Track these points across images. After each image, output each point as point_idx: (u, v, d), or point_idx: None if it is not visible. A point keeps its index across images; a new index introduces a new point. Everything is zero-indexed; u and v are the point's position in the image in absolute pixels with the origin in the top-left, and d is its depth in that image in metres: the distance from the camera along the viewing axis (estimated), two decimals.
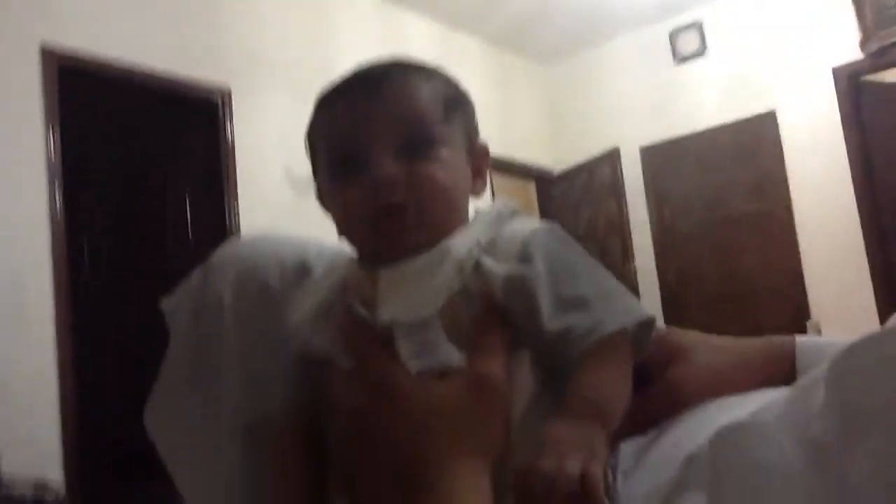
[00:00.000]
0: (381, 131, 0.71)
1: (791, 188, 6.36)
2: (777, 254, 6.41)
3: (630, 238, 7.00)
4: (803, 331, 5.76)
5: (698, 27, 6.82)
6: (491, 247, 0.69)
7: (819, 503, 0.49)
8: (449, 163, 0.72)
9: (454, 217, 0.73)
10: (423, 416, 0.63)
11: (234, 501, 0.82)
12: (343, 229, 0.75)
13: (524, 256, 0.67)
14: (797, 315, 6.20)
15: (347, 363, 0.68)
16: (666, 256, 7.01)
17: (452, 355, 0.65)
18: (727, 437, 0.57)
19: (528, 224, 0.72)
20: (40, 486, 3.01)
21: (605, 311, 0.65)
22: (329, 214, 0.78)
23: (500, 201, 0.77)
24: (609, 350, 0.65)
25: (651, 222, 7.10)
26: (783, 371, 0.77)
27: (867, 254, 5.98)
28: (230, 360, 0.85)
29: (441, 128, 0.73)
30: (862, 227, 6.00)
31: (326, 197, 0.77)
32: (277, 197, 4.94)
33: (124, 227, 5.16)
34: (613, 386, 0.65)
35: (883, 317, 5.72)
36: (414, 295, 0.67)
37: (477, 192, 0.78)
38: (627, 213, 7.07)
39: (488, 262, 0.67)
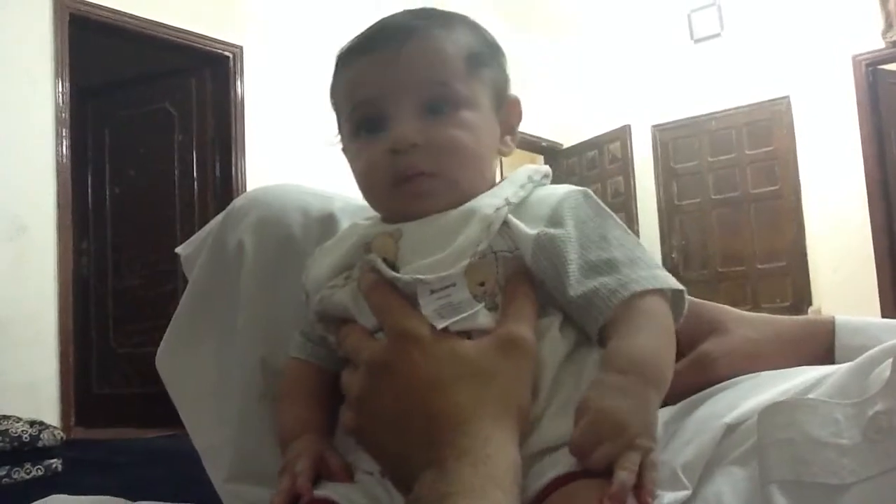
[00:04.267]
0: (402, 90, 0.68)
1: (801, 174, 6.33)
2: (782, 238, 6.41)
3: (636, 214, 6.99)
4: None
5: (717, 7, 6.74)
6: (521, 208, 0.67)
7: (876, 474, 0.50)
8: (473, 123, 0.70)
9: (478, 179, 0.70)
10: (449, 372, 0.61)
11: (246, 444, 0.83)
12: (364, 190, 0.73)
13: (555, 219, 0.65)
14: (798, 300, 6.21)
15: (369, 321, 0.67)
16: (671, 234, 7.01)
17: (478, 314, 0.63)
18: (778, 411, 0.57)
19: (560, 188, 0.70)
20: (38, 426, 3.04)
21: (633, 273, 0.62)
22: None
23: (531, 166, 0.74)
24: (644, 308, 0.61)
25: (658, 200, 7.09)
26: (821, 349, 0.77)
27: (873, 243, 5.96)
28: (249, 303, 0.85)
29: (465, 86, 0.70)
30: (870, 216, 5.99)
31: (349, 156, 0.74)
32: (285, 155, 4.93)
33: (130, 178, 5.16)
34: (656, 344, 0.60)
35: (885, 307, 5.73)
36: (438, 253, 0.65)
37: (506, 149, 0.75)
38: (635, 190, 7.05)
39: (518, 223, 0.65)
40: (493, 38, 0.76)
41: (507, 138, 0.76)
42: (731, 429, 0.62)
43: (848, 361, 0.65)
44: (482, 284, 0.64)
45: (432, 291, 0.64)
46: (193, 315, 0.92)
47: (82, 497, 0.84)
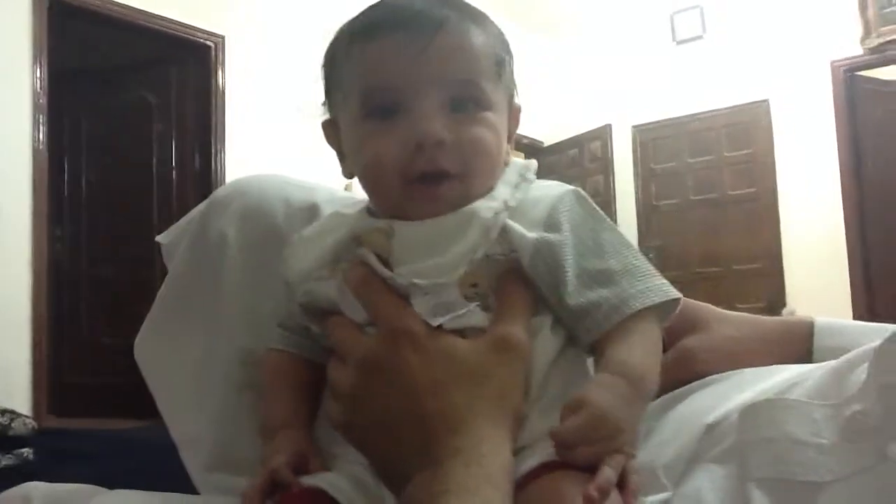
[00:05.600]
0: (430, 82, 0.64)
1: (778, 177, 6.40)
2: (758, 240, 6.47)
3: (615, 214, 7.02)
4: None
5: (700, 10, 6.78)
6: (517, 210, 0.66)
7: (853, 472, 0.51)
8: (496, 125, 0.67)
9: (489, 183, 0.67)
10: (443, 371, 0.60)
11: (225, 435, 0.82)
12: (368, 179, 0.68)
13: (552, 223, 0.64)
14: (773, 301, 6.27)
15: (357, 314, 0.65)
16: (649, 234, 7.04)
17: (473, 313, 0.63)
18: (758, 410, 0.58)
19: (553, 187, 0.69)
20: (9, 414, 3.01)
21: (631, 286, 0.62)
22: (342, 156, 0.72)
23: (521, 162, 0.73)
24: (641, 325, 0.62)
25: (637, 199, 7.13)
26: (800, 349, 0.78)
27: (847, 247, 6.04)
28: (232, 293, 0.84)
29: (493, 86, 0.67)
30: (845, 220, 6.06)
31: (348, 138, 0.70)
32: (265, 146, 4.91)
33: (107, 165, 5.11)
34: (652, 361, 0.62)
35: (857, 309, 5.81)
36: (435, 258, 0.63)
37: (507, 157, 0.72)
38: (614, 189, 7.08)
39: (516, 227, 0.64)
40: (508, 42, 0.74)
41: (508, 146, 0.73)
42: (710, 429, 0.62)
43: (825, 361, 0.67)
44: (474, 286, 0.64)
45: (427, 293, 0.63)
46: (174, 304, 0.91)
47: (58, 485, 0.83)
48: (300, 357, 0.73)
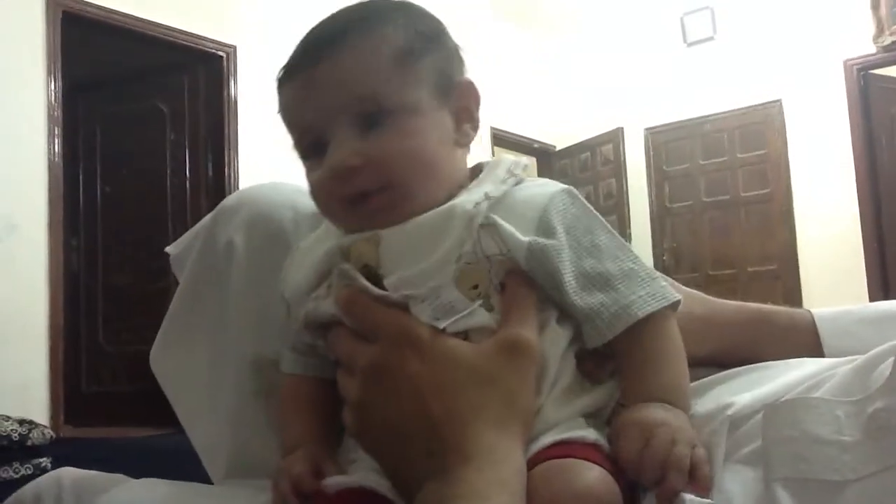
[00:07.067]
0: (330, 112, 0.65)
1: (792, 177, 6.36)
2: (773, 241, 6.43)
3: (628, 217, 7.00)
4: None
5: (710, 11, 6.76)
6: (504, 205, 0.65)
7: (877, 470, 0.51)
8: (414, 128, 0.65)
9: (437, 180, 0.66)
10: (450, 376, 0.60)
11: (241, 441, 0.83)
12: (320, 210, 0.70)
13: (544, 226, 0.64)
14: (789, 303, 6.19)
15: (360, 326, 0.65)
16: (662, 237, 7.02)
17: (476, 313, 0.62)
18: (781, 410, 0.58)
19: (545, 186, 0.68)
20: (27, 424, 3.03)
21: (631, 292, 0.62)
22: None
23: (511, 157, 0.71)
24: (653, 330, 0.63)
25: (650, 202, 7.10)
26: (806, 340, 0.80)
27: (864, 247, 6.00)
28: (239, 300, 0.84)
29: (398, 89, 0.65)
30: (861, 220, 6.02)
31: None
32: (277, 154, 4.92)
33: (122, 176, 5.14)
34: (673, 368, 0.64)
35: None
36: (423, 261, 0.62)
37: (464, 139, 0.70)
38: (627, 192, 7.07)
39: (508, 227, 0.63)
40: (433, 22, 0.70)
41: (466, 126, 0.70)
42: (734, 424, 0.62)
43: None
44: (475, 287, 0.63)
45: (423, 300, 0.62)
46: (185, 314, 0.92)
47: (88, 471, 0.87)
48: (314, 378, 0.73)
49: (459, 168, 0.70)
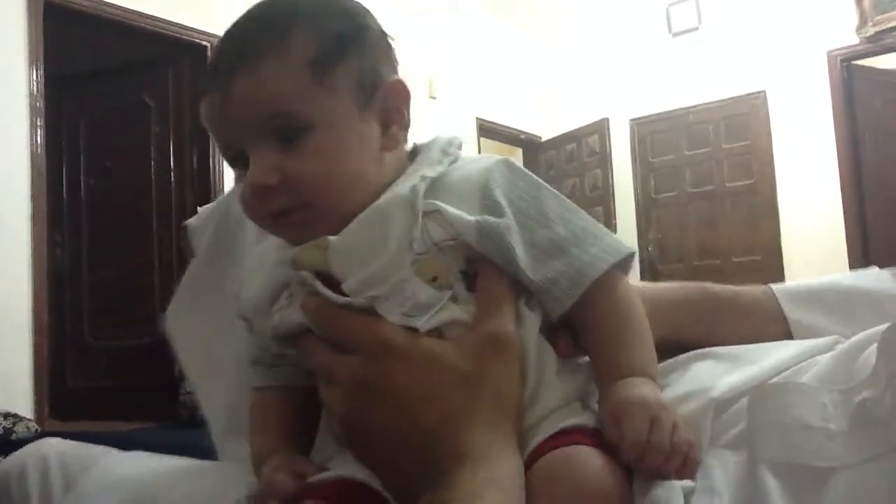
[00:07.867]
0: (245, 129, 0.63)
1: (776, 168, 6.39)
2: (757, 232, 6.46)
3: (613, 207, 7.02)
4: None
5: (695, 2, 6.76)
6: (442, 186, 0.64)
7: (863, 460, 0.51)
8: (332, 144, 0.63)
9: (362, 187, 0.64)
10: (436, 381, 0.58)
11: (240, 407, 0.82)
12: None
13: (488, 202, 0.62)
14: None
15: (331, 337, 0.64)
16: (648, 227, 7.04)
17: (448, 307, 0.61)
18: (768, 394, 0.58)
19: (480, 161, 0.67)
20: (12, 418, 3.01)
21: (584, 252, 0.62)
22: None
23: (442, 137, 0.70)
24: (608, 291, 0.62)
25: (636, 193, 7.12)
26: (770, 317, 0.81)
27: (846, 237, 6.03)
28: (244, 268, 0.86)
29: (314, 103, 0.62)
30: (844, 211, 6.05)
31: None
32: None
33: (106, 169, 5.10)
34: (641, 337, 0.63)
35: None
36: (377, 258, 0.61)
37: (391, 143, 0.67)
38: (613, 183, 7.07)
39: (452, 210, 0.61)
40: (352, 18, 0.66)
41: (394, 128, 0.67)
42: (718, 408, 0.62)
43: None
44: (435, 280, 0.62)
45: (388, 298, 0.61)
46: (198, 280, 0.98)
47: (72, 442, 0.90)
48: (284, 387, 0.71)
49: (391, 168, 0.67)
